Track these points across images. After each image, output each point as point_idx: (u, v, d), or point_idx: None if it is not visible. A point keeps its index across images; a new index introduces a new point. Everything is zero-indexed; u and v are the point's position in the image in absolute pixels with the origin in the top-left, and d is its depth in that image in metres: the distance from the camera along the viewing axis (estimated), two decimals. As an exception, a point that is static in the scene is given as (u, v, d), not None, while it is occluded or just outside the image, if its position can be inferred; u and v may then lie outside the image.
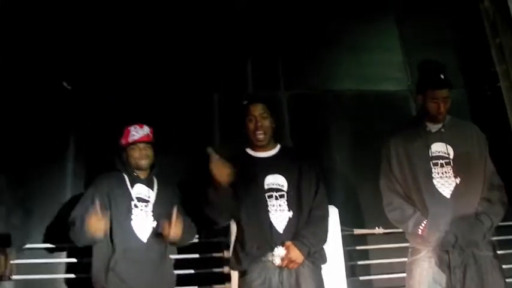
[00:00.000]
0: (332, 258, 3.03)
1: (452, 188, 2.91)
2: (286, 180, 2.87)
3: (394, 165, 3.04)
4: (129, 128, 3.11)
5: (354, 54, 4.36)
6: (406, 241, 3.09)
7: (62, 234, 3.44)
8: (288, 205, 2.82)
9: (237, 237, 2.90)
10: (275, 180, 2.86)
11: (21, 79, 3.79)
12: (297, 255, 2.72)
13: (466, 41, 4.40)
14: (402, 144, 3.05)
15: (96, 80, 3.99)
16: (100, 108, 3.90)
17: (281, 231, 2.77)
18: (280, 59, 4.29)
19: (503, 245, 3.43)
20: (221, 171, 2.66)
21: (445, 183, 2.92)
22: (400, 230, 3.11)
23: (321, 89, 4.26)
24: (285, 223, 2.79)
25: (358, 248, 3.74)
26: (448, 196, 2.90)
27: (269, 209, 2.80)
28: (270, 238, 2.76)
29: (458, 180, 2.91)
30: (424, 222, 2.89)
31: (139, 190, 3.06)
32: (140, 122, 3.15)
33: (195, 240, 3.53)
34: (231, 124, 3.90)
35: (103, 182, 3.05)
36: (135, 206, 3.00)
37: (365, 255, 3.77)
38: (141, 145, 3.08)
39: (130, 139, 3.08)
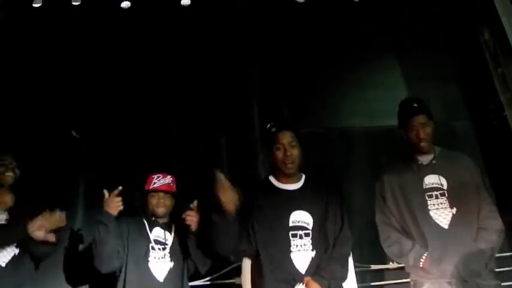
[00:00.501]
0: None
1: (449, 219, 2.89)
2: (312, 217, 2.76)
3: (389, 199, 3.04)
4: (152, 176, 3.22)
5: (359, 92, 4.40)
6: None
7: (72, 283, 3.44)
8: (313, 244, 2.73)
9: (256, 272, 2.78)
10: (301, 218, 2.76)
11: (31, 130, 3.86)
12: None
13: (468, 74, 4.42)
14: (395, 178, 3.07)
15: (104, 127, 4.05)
16: (108, 155, 3.94)
17: (303, 272, 2.69)
18: (285, 99, 4.33)
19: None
20: (229, 197, 2.56)
21: (441, 214, 2.91)
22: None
23: (327, 127, 4.29)
24: (308, 263, 2.70)
25: (372, 284, 3.69)
26: (446, 227, 2.88)
27: (292, 248, 2.71)
28: (291, 278, 2.67)
29: (454, 210, 2.90)
30: (425, 254, 2.86)
31: (157, 233, 3.17)
32: (161, 170, 3.25)
33: (207, 282, 3.51)
34: (238, 166, 3.91)
35: (122, 225, 3.11)
36: (153, 248, 3.10)
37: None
38: (161, 194, 3.19)
39: (151, 186, 3.20)
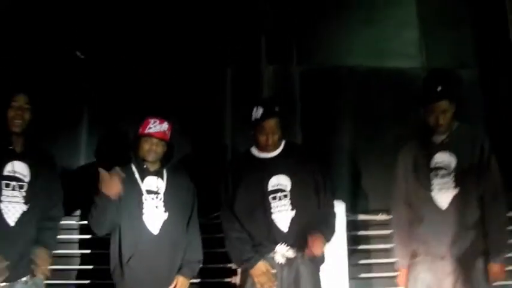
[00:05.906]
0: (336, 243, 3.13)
1: (449, 200, 2.88)
2: (290, 179, 2.93)
3: (400, 176, 3.06)
4: (149, 120, 3.07)
5: (369, 30, 4.28)
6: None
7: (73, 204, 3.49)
8: (292, 204, 2.90)
9: None
10: (278, 181, 2.94)
11: (35, 49, 3.83)
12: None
13: (484, 20, 4.30)
14: (409, 157, 3.04)
15: (110, 51, 4.01)
16: (113, 78, 3.94)
17: (285, 230, 2.88)
18: (293, 33, 4.25)
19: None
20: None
21: (442, 195, 2.90)
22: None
23: (333, 64, 4.21)
24: (289, 222, 2.88)
25: (360, 233, 3.72)
26: (445, 207, 2.88)
27: (272, 210, 2.89)
28: (272, 237, 2.87)
29: (457, 190, 2.88)
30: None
31: (149, 182, 3.05)
32: (158, 114, 3.10)
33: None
34: (243, 99, 3.91)
35: None
36: (145, 199, 3.00)
37: (367, 241, 3.74)
38: (154, 140, 3.03)
39: (146, 131, 3.03)
